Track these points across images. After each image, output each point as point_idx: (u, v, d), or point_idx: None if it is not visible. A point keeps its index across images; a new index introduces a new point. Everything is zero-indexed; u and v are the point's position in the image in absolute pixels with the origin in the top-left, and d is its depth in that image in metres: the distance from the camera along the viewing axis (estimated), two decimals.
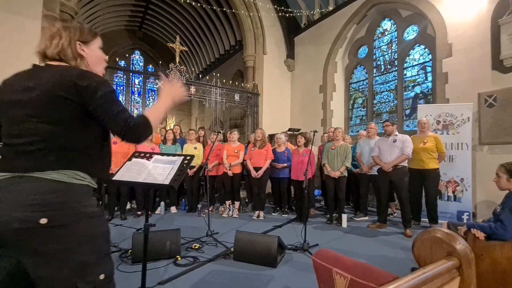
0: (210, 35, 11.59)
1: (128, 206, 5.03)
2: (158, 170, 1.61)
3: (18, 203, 0.85)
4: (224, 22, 10.39)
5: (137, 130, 0.99)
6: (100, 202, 4.06)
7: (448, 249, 0.85)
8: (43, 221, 0.84)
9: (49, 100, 0.93)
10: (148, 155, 1.75)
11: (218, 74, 7.81)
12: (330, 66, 7.43)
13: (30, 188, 0.88)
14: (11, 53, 4.94)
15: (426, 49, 5.80)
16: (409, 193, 3.98)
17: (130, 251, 2.80)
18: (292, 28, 8.59)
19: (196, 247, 3.14)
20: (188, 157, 1.71)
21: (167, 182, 1.54)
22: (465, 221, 4.18)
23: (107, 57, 1.25)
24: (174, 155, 1.77)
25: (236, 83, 8.05)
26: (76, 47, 1.05)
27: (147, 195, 2.31)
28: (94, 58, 1.12)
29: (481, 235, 1.96)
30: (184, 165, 1.65)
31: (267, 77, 8.23)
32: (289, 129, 7.26)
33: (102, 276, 0.94)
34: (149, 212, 4.80)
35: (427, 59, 5.78)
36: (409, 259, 2.86)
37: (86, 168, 0.98)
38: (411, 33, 6.14)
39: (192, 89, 7.10)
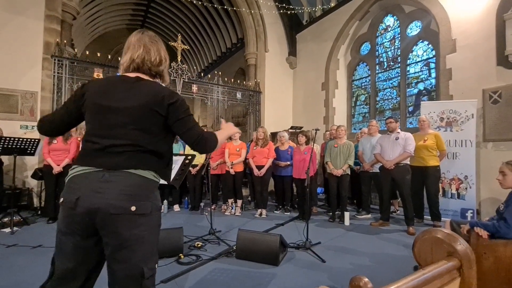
0: (212, 33, 11.56)
1: None
2: None
3: (114, 193, 1.00)
4: (225, 20, 10.35)
5: (206, 143, 1.18)
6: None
7: (448, 249, 0.85)
8: (133, 208, 1.00)
9: (143, 112, 1.09)
10: None
11: (220, 72, 7.80)
12: (332, 63, 7.38)
13: (123, 180, 1.03)
14: (14, 52, 4.98)
15: (430, 45, 5.73)
16: (411, 191, 3.96)
17: None
18: (293, 25, 8.54)
19: (199, 245, 3.16)
20: (189, 157, 1.72)
21: (168, 181, 1.54)
22: (469, 219, 4.16)
23: (110, 56, 1.37)
24: (176, 154, 1.77)
25: (238, 81, 8.03)
26: (167, 65, 1.27)
27: None
28: (166, 76, 1.30)
29: (484, 233, 1.95)
30: (185, 164, 1.66)
31: (269, 74, 8.20)
32: (291, 127, 7.25)
33: (156, 266, 1.08)
34: None
35: (431, 55, 5.71)
36: (412, 257, 2.84)
37: (160, 170, 1.15)
38: (414, 29, 6.07)
39: (194, 87, 7.09)
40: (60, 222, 1.05)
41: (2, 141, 3.70)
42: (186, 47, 7.57)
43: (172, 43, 7.19)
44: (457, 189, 4.43)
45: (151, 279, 1.04)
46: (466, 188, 4.36)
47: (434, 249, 0.88)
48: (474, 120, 4.36)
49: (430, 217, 4.18)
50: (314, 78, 7.83)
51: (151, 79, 1.20)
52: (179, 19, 12.22)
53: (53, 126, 1.19)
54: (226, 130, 1.42)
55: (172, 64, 6.76)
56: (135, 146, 1.07)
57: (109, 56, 6.15)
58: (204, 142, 1.17)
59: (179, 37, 7.22)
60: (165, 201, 5.07)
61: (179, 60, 6.85)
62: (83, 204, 0.99)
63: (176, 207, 5.14)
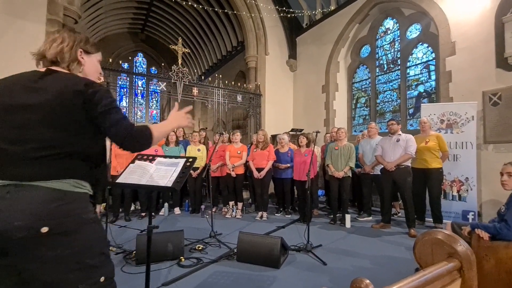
0: (212, 36, 11.63)
1: (132, 207, 5.07)
2: (161, 172, 1.62)
3: (19, 212, 0.85)
4: (226, 23, 10.42)
5: (137, 139, 1.03)
6: (105, 204, 4.12)
7: (449, 250, 0.85)
8: (44, 229, 0.86)
9: (55, 106, 0.94)
10: (151, 157, 1.76)
11: (221, 75, 7.83)
12: (333, 66, 7.41)
13: (30, 197, 0.87)
14: (15, 56, 5.00)
15: (429, 48, 5.76)
16: (413, 193, 3.95)
17: (134, 252, 2.83)
18: (294, 29, 8.59)
19: (200, 248, 3.15)
20: (190, 160, 1.72)
21: (169, 184, 1.55)
22: (470, 221, 4.14)
23: (111, 60, 1.31)
24: (176, 157, 1.78)
25: (239, 84, 8.06)
26: (77, 53, 1.10)
27: (150, 197, 2.32)
28: (92, 68, 1.16)
29: (485, 235, 1.94)
30: (186, 167, 1.67)
31: (269, 77, 8.23)
32: (292, 130, 7.26)
33: (102, 278, 0.97)
34: (153, 213, 4.83)
35: (431, 58, 5.74)
36: (414, 259, 2.84)
37: (88, 176, 1.00)
38: (414, 31, 6.10)
39: (195, 90, 7.12)
40: None
41: None
42: (186, 50, 7.62)
43: (173, 47, 7.23)
44: (458, 191, 4.43)
45: None
46: (467, 190, 4.35)
47: (435, 250, 0.88)
48: (474, 122, 4.36)
49: (431, 219, 4.17)
50: (314, 80, 7.85)
51: (65, 71, 1.06)
52: (180, 23, 12.30)
53: None
54: (172, 121, 1.23)
55: (173, 67, 6.81)
56: (51, 149, 0.92)
57: (110, 60, 6.19)
58: (134, 139, 1.02)
59: (180, 40, 7.26)
60: (166, 204, 5.06)
61: (179, 63, 6.89)
62: None
63: (177, 210, 5.14)
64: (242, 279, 2.46)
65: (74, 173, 0.96)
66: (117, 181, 1.62)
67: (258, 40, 8.29)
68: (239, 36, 10.16)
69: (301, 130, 7.07)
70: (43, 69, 1.04)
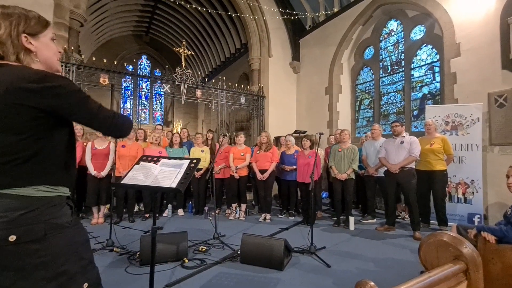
0: (216, 38, 11.70)
1: (136, 209, 5.09)
2: (165, 173, 1.63)
3: None
4: (229, 25, 10.47)
5: (123, 124, 1.01)
6: (109, 205, 4.14)
7: (454, 252, 0.84)
8: (12, 238, 0.81)
9: (4, 108, 0.83)
10: (155, 158, 1.77)
11: (224, 77, 7.86)
12: (336, 68, 7.40)
13: None
14: None
15: (434, 49, 5.73)
16: (417, 195, 3.92)
17: (138, 253, 2.84)
18: (297, 30, 8.60)
19: (203, 249, 3.15)
20: (194, 161, 1.73)
21: (173, 185, 1.56)
22: (476, 223, 4.10)
23: (115, 62, 1.25)
24: (181, 158, 1.79)
25: (242, 86, 8.08)
26: (21, 40, 0.91)
27: (154, 198, 2.33)
28: (46, 52, 0.97)
29: (491, 238, 1.92)
30: (191, 168, 1.67)
31: (272, 79, 8.25)
32: (295, 131, 7.25)
33: (85, 285, 0.92)
34: (157, 215, 4.83)
35: (435, 59, 5.70)
36: (419, 262, 2.81)
37: (56, 179, 0.93)
38: (418, 33, 6.07)
39: (198, 92, 7.16)
40: None
41: None
42: (190, 52, 7.66)
43: (176, 49, 7.28)
44: (463, 194, 4.38)
45: None
46: (472, 193, 4.30)
47: (440, 253, 0.88)
48: (480, 124, 4.32)
49: (436, 222, 4.13)
50: (317, 82, 7.84)
51: (14, 64, 0.90)
52: (184, 25, 12.39)
53: None
54: None
55: (176, 69, 6.86)
56: (8, 155, 0.84)
57: (115, 62, 6.26)
58: (120, 125, 1.00)
59: (184, 43, 7.31)
60: (169, 205, 5.08)
61: (183, 65, 6.93)
62: None
63: (180, 211, 5.15)
64: (245, 280, 2.45)
65: (39, 178, 0.88)
66: (122, 182, 1.63)
67: (261, 42, 8.32)
68: (242, 38, 10.21)
69: (305, 132, 7.06)
70: None
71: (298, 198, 5.26)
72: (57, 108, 0.88)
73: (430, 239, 0.93)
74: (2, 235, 0.81)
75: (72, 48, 5.77)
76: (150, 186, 1.61)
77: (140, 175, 1.64)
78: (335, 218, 4.58)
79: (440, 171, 4.04)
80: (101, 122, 0.96)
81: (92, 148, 4.35)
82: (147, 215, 4.77)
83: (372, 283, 0.76)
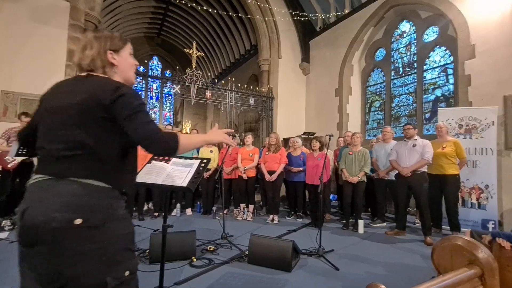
0: (226, 40, 11.78)
1: (145, 207, 5.16)
2: (176, 172, 1.66)
3: (56, 203, 0.91)
4: (239, 27, 10.53)
5: (162, 143, 1.01)
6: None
7: (469, 257, 0.82)
8: (78, 221, 0.90)
9: (84, 110, 0.98)
10: (166, 158, 1.80)
11: (233, 78, 7.91)
12: (346, 69, 7.34)
13: (66, 190, 0.94)
14: (39, 60, 5.25)
15: (447, 51, 5.61)
16: (428, 199, 3.84)
17: (148, 251, 2.88)
18: (307, 32, 8.58)
19: (211, 249, 3.17)
20: (204, 161, 1.75)
21: (184, 184, 1.58)
22: (490, 229, 3.98)
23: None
24: (191, 158, 1.81)
25: (251, 87, 8.11)
26: (107, 56, 1.10)
27: (165, 197, 2.36)
28: (125, 64, 1.17)
29: (507, 244, 1.86)
30: (201, 168, 1.69)
31: (282, 81, 8.24)
32: (304, 133, 7.22)
33: (127, 273, 1.00)
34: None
35: (448, 61, 5.59)
36: (430, 267, 2.75)
37: (110, 178, 1.01)
38: (431, 34, 5.97)
39: (208, 93, 7.23)
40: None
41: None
42: (201, 54, 7.75)
43: (187, 50, 7.38)
44: (477, 199, 4.27)
45: (123, 286, 0.98)
46: (487, 198, 4.19)
47: (454, 257, 0.86)
48: (495, 127, 4.21)
49: (448, 227, 4.03)
50: (327, 84, 7.79)
51: (101, 75, 1.09)
52: (195, 27, 12.53)
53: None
54: (207, 134, 1.26)
55: (187, 70, 6.94)
56: (75, 149, 0.97)
57: (137, 63, 6.37)
58: (158, 141, 1.00)
59: (194, 44, 7.41)
60: (178, 205, 5.13)
61: (193, 66, 7.01)
62: (28, 216, 0.91)
63: (189, 211, 5.19)
64: (253, 281, 2.46)
65: (98, 173, 0.98)
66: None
67: (271, 43, 8.33)
68: (252, 39, 10.24)
69: (313, 133, 7.02)
70: (84, 74, 1.09)
71: (306, 200, 5.24)
72: (116, 113, 0.98)
73: (444, 243, 0.91)
74: (68, 217, 0.89)
75: None
76: (162, 185, 1.63)
77: (152, 174, 1.67)
78: (344, 221, 4.54)
79: (453, 175, 3.95)
80: (143, 134, 1.00)
81: None
82: (156, 214, 4.83)
83: (383, 286, 0.75)
